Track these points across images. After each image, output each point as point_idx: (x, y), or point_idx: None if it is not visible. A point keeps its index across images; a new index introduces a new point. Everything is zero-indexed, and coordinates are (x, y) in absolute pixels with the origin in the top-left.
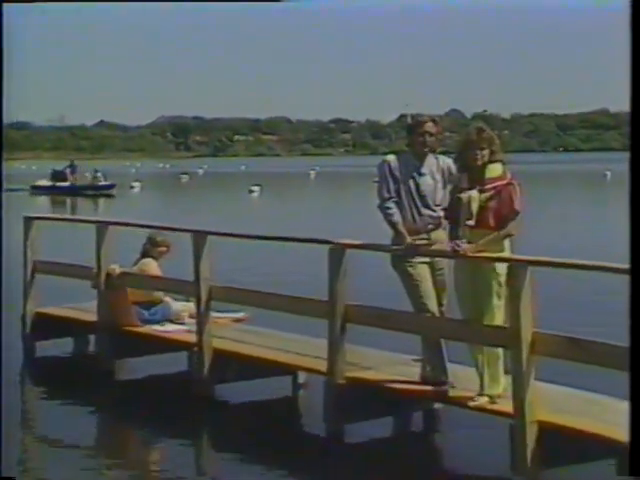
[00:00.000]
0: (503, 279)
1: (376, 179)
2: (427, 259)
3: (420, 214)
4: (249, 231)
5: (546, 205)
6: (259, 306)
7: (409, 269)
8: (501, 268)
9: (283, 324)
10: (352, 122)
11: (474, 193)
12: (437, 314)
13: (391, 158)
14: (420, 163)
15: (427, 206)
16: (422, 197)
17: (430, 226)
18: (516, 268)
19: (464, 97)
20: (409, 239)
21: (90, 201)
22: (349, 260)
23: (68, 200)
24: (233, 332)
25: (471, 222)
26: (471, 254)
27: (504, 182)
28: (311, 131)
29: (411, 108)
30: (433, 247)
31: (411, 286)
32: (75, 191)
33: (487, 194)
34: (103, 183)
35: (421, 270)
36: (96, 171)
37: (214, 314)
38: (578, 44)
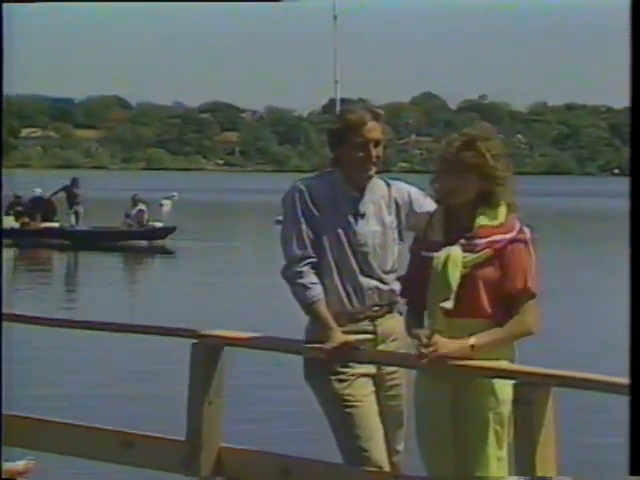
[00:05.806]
0: (508, 410)
1: (280, 219)
2: (371, 369)
3: (358, 287)
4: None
5: (586, 272)
6: (60, 451)
7: (337, 386)
8: (506, 392)
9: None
10: (243, 111)
11: (454, 251)
12: (386, 467)
13: (308, 184)
14: (359, 194)
15: (370, 273)
16: (362, 255)
17: (376, 308)
18: (530, 388)
19: (447, 74)
20: (338, 331)
21: (117, 258)
22: (228, 365)
23: (55, 257)
24: None
25: (448, 304)
26: (449, 358)
27: (508, 236)
28: (166, 124)
29: (344, 88)
30: (381, 347)
31: (341, 417)
32: (87, 239)
33: (477, 255)
34: (159, 224)
35: (359, 389)
36: (138, 200)
37: None
38: None
